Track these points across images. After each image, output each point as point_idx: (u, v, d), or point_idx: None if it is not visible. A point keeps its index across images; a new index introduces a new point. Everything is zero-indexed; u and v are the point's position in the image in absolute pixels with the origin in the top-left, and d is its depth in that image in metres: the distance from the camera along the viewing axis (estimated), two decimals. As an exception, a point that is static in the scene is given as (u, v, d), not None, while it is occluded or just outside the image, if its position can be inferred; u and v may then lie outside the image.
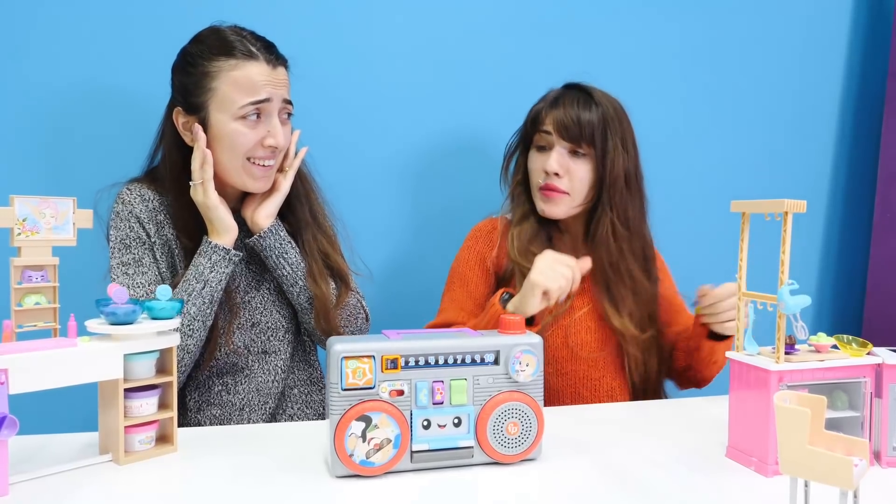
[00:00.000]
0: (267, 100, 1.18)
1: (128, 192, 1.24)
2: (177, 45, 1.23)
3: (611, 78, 1.44)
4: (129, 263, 1.21)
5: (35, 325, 0.88)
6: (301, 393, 1.35)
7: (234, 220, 1.23)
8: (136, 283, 1.20)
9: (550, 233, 1.42)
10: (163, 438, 0.97)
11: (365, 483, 0.84)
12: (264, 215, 1.25)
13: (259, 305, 1.29)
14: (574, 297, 1.34)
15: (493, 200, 1.49)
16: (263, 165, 1.22)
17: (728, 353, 0.94)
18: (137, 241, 1.22)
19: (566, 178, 1.34)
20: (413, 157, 1.69)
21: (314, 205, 1.34)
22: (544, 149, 1.36)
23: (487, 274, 1.40)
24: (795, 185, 1.95)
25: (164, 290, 0.95)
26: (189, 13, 1.49)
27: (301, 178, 1.32)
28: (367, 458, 0.85)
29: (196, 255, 1.20)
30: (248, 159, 1.21)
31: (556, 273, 1.17)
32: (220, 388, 1.28)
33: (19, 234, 0.86)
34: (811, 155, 1.97)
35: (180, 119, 1.21)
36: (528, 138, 1.41)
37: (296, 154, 1.28)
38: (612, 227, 1.34)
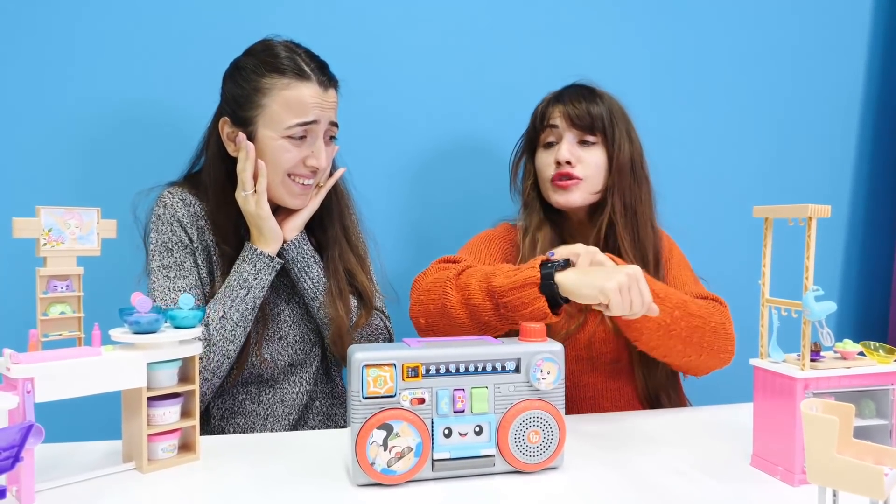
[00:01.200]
0: (315, 122, 1.19)
1: (169, 195, 1.25)
2: (205, 56, 1.25)
3: (630, 81, 1.44)
4: (171, 266, 1.21)
5: (60, 335, 0.88)
6: (322, 405, 1.35)
7: None
8: (177, 287, 1.20)
9: (565, 240, 1.40)
10: (185, 447, 0.97)
11: (386, 492, 0.84)
12: (290, 228, 1.25)
13: (288, 318, 1.30)
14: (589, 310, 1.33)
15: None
16: (303, 184, 1.23)
17: (752, 361, 0.93)
18: (179, 244, 1.22)
19: (579, 165, 1.33)
20: (437, 165, 1.69)
21: (346, 221, 1.34)
22: (552, 145, 1.36)
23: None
24: (816, 188, 1.93)
25: (186, 300, 0.96)
26: (218, 22, 1.51)
27: (337, 194, 1.33)
28: (389, 466, 0.85)
29: (240, 261, 1.21)
30: (289, 175, 1.21)
31: (629, 297, 1.00)
32: (244, 396, 1.28)
33: (45, 244, 0.87)
34: (832, 158, 1.95)
35: (226, 129, 1.22)
36: (534, 139, 1.41)
37: (331, 174, 1.29)
38: (616, 213, 1.34)
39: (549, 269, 1.04)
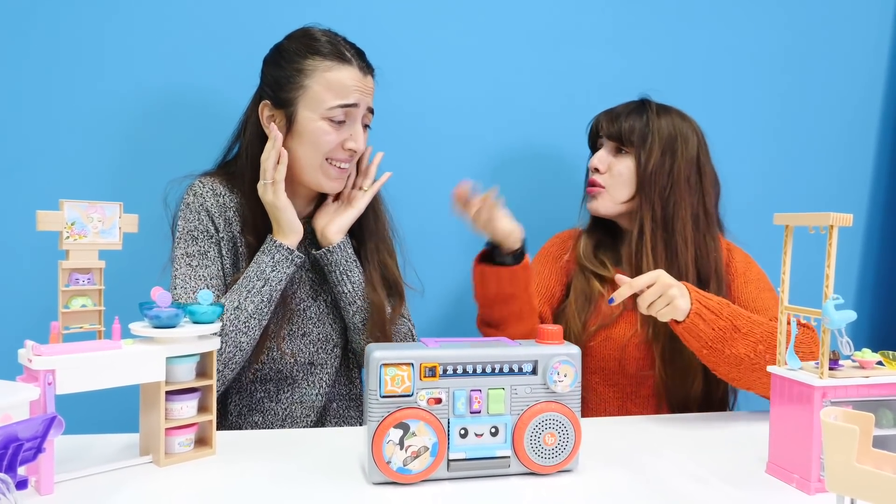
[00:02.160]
0: (355, 105, 1.21)
1: (200, 184, 1.25)
2: (236, 48, 1.25)
3: (644, 87, 1.44)
4: (194, 255, 1.21)
5: (81, 328, 0.89)
6: (339, 407, 1.35)
7: (304, 226, 1.25)
8: (199, 276, 1.20)
9: (617, 242, 1.46)
10: (201, 441, 0.98)
11: (401, 490, 0.85)
12: (336, 230, 1.26)
13: (313, 316, 1.29)
14: (624, 311, 1.37)
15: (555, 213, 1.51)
16: (340, 167, 1.24)
17: (770, 368, 0.93)
18: (205, 234, 1.22)
19: (606, 174, 1.40)
20: (474, 167, 1.69)
21: (380, 216, 1.35)
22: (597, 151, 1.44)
23: (560, 272, 1.47)
24: (831, 195, 1.92)
25: (205, 295, 0.96)
26: (249, 13, 1.52)
27: (371, 210, 1.33)
28: (405, 465, 0.85)
29: (259, 253, 1.20)
30: (327, 159, 1.22)
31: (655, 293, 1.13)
32: (262, 394, 1.27)
33: (68, 237, 0.87)
34: (847, 165, 1.94)
35: (266, 112, 1.22)
36: (593, 148, 1.48)
37: (376, 178, 1.31)
38: (645, 225, 1.36)
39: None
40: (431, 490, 0.85)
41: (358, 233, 1.32)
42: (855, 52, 1.91)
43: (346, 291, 1.26)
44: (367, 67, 1.24)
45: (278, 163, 1.19)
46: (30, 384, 0.80)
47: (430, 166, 1.66)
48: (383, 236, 1.34)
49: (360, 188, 1.30)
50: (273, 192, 1.19)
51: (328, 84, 1.19)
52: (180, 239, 1.22)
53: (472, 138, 1.69)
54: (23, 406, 0.76)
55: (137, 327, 0.92)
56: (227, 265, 1.24)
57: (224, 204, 1.25)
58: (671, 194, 1.36)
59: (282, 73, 1.21)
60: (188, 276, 1.20)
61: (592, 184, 1.42)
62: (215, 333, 0.97)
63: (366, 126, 1.27)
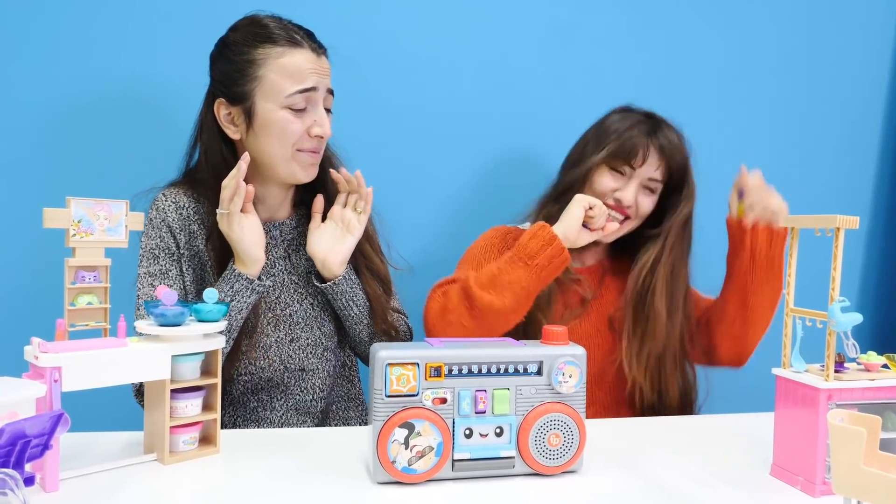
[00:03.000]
0: (314, 88, 1.16)
1: (163, 197, 1.21)
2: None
3: (644, 86, 1.44)
4: (156, 275, 1.18)
5: (87, 325, 0.89)
6: (339, 409, 1.33)
7: (287, 223, 1.26)
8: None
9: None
10: (205, 440, 0.98)
11: (406, 490, 0.85)
12: (340, 262, 1.22)
13: (300, 321, 1.26)
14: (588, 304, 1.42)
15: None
16: (311, 154, 1.20)
17: (775, 370, 0.93)
18: (166, 251, 1.19)
19: (631, 208, 1.38)
20: (470, 167, 1.70)
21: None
22: (621, 174, 1.37)
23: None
24: (836, 197, 1.92)
25: (210, 294, 0.96)
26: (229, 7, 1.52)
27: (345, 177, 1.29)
28: (410, 465, 0.85)
29: (219, 281, 1.16)
30: (298, 150, 1.19)
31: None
32: (255, 404, 1.25)
33: (74, 234, 0.88)
34: (851, 167, 1.94)
35: (222, 111, 1.18)
36: (606, 156, 1.37)
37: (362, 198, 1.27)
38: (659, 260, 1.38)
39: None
40: (436, 490, 0.85)
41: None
42: (858, 55, 1.91)
43: (352, 315, 1.24)
44: (319, 48, 1.19)
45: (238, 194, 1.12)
46: (36, 381, 0.80)
47: (431, 167, 1.66)
48: (366, 231, 1.29)
49: (355, 210, 1.25)
50: (228, 223, 1.13)
51: (283, 71, 1.14)
52: (142, 257, 1.19)
53: (467, 139, 1.69)
54: (29, 403, 0.76)
55: (143, 325, 0.92)
56: (189, 282, 1.20)
57: (187, 217, 1.21)
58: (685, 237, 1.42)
59: (232, 66, 1.16)
60: (150, 296, 1.16)
61: (618, 212, 1.38)
62: (220, 332, 0.97)
63: (328, 110, 1.22)
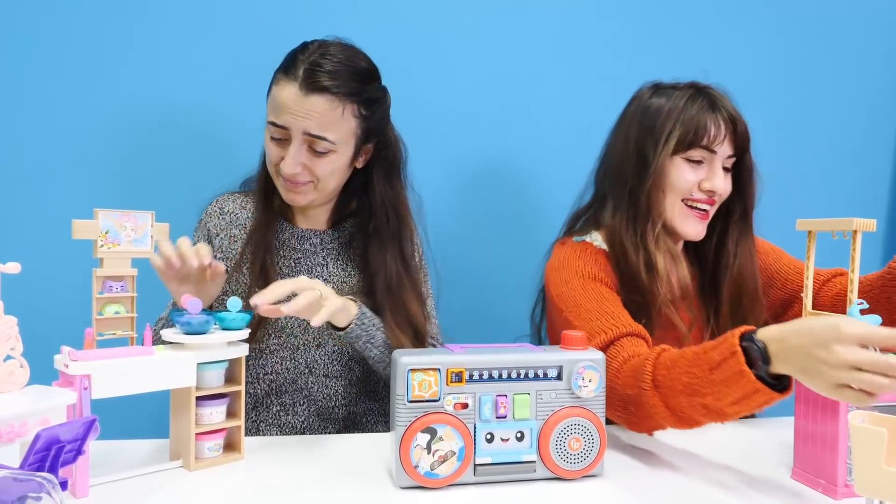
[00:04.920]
0: (284, 127, 1.14)
1: (214, 202, 1.30)
2: (256, 65, 1.26)
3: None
4: None
5: (114, 334, 0.91)
6: (361, 416, 1.31)
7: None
8: (181, 293, 1.15)
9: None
10: (229, 446, 0.99)
11: (429, 494, 0.86)
12: (324, 318, 1.01)
13: (329, 327, 1.22)
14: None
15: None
16: (290, 182, 1.18)
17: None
18: None
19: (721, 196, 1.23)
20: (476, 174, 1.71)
21: (405, 246, 1.26)
22: (699, 162, 1.20)
23: (613, 292, 1.18)
24: (850, 199, 1.91)
25: (234, 302, 0.98)
26: (282, 30, 1.54)
27: (398, 217, 1.25)
28: (432, 469, 0.86)
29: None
30: (276, 173, 1.20)
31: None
32: (278, 408, 1.26)
33: (102, 245, 0.89)
34: (865, 169, 1.93)
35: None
36: (672, 146, 1.19)
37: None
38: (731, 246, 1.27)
39: (755, 349, 0.83)
40: (458, 494, 0.86)
41: (375, 258, 1.24)
42: (872, 55, 1.90)
43: (373, 356, 1.19)
44: (311, 87, 1.11)
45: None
46: (66, 389, 0.82)
47: (442, 172, 1.67)
48: (407, 268, 1.25)
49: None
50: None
51: (272, 97, 1.17)
52: None
53: (474, 145, 1.70)
54: (61, 410, 0.77)
55: (169, 334, 0.94)
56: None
57: (229, 222, 1.28)
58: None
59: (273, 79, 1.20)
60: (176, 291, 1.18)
61: (708, 205, 1.22)
62: (244, 340, 0.98)
63: (322, 152, 1.16)
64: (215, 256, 1.24)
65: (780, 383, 0.83)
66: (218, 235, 1.27)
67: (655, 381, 0.93)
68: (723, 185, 1.21)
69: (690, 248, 1.32)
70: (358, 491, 0.87)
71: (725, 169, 1.23)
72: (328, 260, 1.29)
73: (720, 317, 1.26)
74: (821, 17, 1.87)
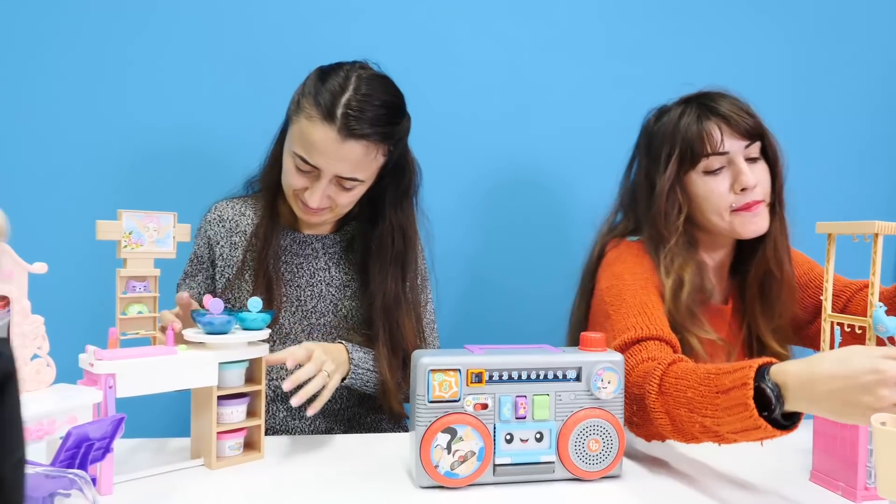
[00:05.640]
0: (315, 168, 1.13)
1: (212, 210, 1.30)
2: (261, 65, 1.26)
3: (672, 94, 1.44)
4: (187, 273, 1.28)
5: (137, 333, 0.92)
6: (372, 421, 1.32)
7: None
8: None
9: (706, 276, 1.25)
10: (249, 445, 1.00)
11: (449, 494, 0.86)
12: (318, 408, 1.04)
13: (333, 331, 1.26)
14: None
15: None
16: (306, 207, 1.18)
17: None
18: (199, 259, 1.28)
19: (758, 186, 1.19)
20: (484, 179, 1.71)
21: (408, 268, 1.26)
22: (718, 171, 1.18)
23: (658, 297, 1.16)
24: (863, 201, 1.90)
25: (254, 302, 0.99)
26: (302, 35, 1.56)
27: (405, 241, 1.25)
28: (452, 469, 0.87)
29: None
30: (294, 195, 1.19)
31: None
32: (285, 414, 1.26)
33: (125, 246, 0.90)
34: (879, 172, 1.93)
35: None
36: (683, 164, 1.19)
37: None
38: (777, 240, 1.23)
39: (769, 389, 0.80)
40: (478, 494, 0.86)
41: (375, 275, 1.23)
42: (890, 55, 1.89)
43: (369, 392, 1.22)
44: (352, 133, 1.10)
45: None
46: (91, 387, 0.83)
47: (452, 176, 1.67)
48: (405, 292, 1.24)
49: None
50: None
51: (300, 131, 1.12)
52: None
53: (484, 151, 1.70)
54: (87, 408, 0.78)
55: (191, 334, 0.95)
56: (220, 288, 1.25)
57: (230, 229, 1.27)
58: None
59: (295, 96, 1.18)
60: (177, 288, 1.26)
61: (753, 204, 1.17)
62: (264, 340, 0.99)
63: (348, 188, 1.17)
64: (216, 265, 1.27)
65: (789, 419, 0.82)
66: (219, 244, 1.27)
67: (662, 387, 0.92)
68: (753, 177, 1.17)
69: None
70: (378, 490, 0.87)
71: (752, 159, 1.20)
72: (330, 264, 1.28)
73: (752, 310, 1.25)
74: (829, 16, 1.86)
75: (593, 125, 1.70)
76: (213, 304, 0.95)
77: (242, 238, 1.26)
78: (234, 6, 1.55)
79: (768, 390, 0.80)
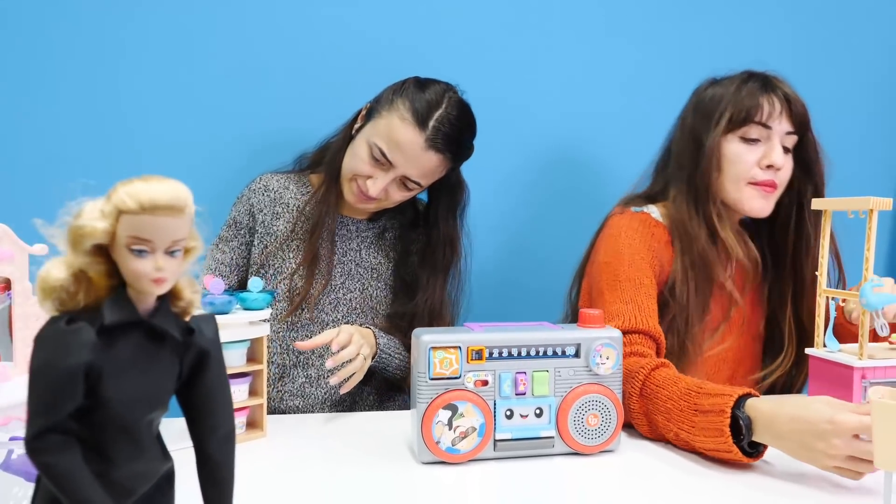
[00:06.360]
0: (391, 163, 1.22)
1: (258, 180, 1.35)
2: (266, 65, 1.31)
3: (671, 77, 1.44)
4: (221, 239, 1.32)
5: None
6: (375, 400, 1.35)
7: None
8: (213, 257, 1.31)
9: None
10: (251, 424, 1.01)
11: (450, 469, 0.87)
12: (352, 385, 1.12)
13: (357, 307, 1.32)
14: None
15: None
16: (360, 192, 1.26)
17: (808, 350, 0.94)
18: (237, 224, 1.32)
19: (781, 171, 1.21)
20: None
21: (452, 280, 1.37)
22: (755, 141, 1.19)
23: (653, 280, 1.19)
24: (858, 179, 1.92)
25: (255, 282, 0.99)
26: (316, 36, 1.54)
27: (451, 249, 1.35)
28: (453, 445, 0.88)
29: None
30: (353, 179, 1.26)
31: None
32: (303, 380, 1.29)
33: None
34: (874, 150, 1.94)
35: (363, 112, 1.29)
36: (728, 126, 1.20)
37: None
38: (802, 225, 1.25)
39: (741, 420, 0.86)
40: (479, 469, 0.88)
41: (421, 277, 1.33)
42: (885, 35, 1.90)
43: (389, 374, 1.28)
44: (436, 145, 1.21)
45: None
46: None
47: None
48: (444, 295, 1.34)
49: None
50: None
51: (389, 128, 1.21)
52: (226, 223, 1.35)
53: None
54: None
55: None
56: (256, 254, 1.31)
57: (273, 199, 1.32)
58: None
59: (387, 93, 1.26)
60: (209, 255, 1.30)
61: (771, 184, 1.19)
62: (265, 320, 1.00)
63: (408, 188, 1.27)
64: (257, 231, 1.32)
65: (755, 448, 0.88)
66: (262, 211, 1.32)
67: (644, 391, 0.98)
68: (782, 160, 1.19)
69: (765, 239, 1.32)
70: (380, 467, 0.89)
71: (786, 149, 1.21)
72: (361, 247, 1.35)
73: (803, 297, 1.25)
74: (832, 5, 1.86)
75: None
76: (214, 285, 0.95)
77: (285, 209, 1.32)
78: (235, 7, 1.53)
79: (741, 421, 0.87)
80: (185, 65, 1.51)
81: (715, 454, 0.89)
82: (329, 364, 1.07)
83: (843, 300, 0.98)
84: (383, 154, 1.21)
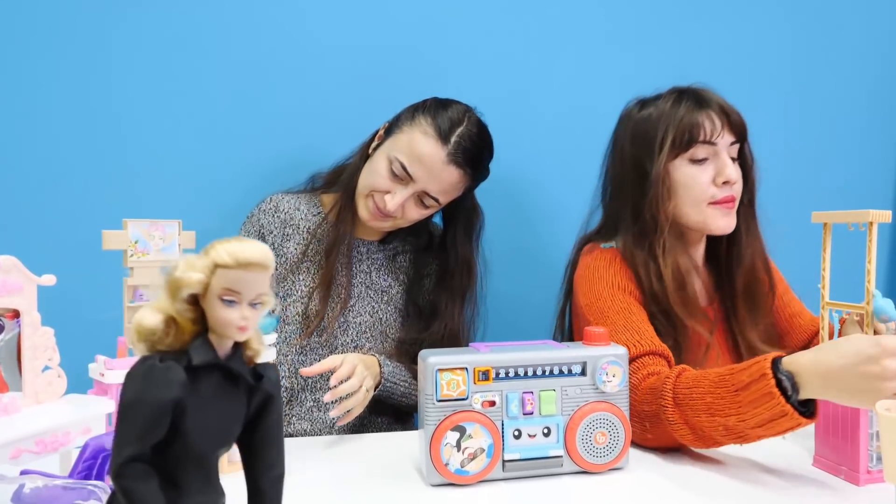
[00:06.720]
0: (411, 178, 1.23)
1: (268, 200, 1.36)
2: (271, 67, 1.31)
3: (670, 82, 1.44)
4: None
5: (145, 342, 0.92)
6: (384, 423, 1.35)
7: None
8: None
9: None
10: (259, 449, 1.01)
11: (460, 491, 0.87)
12: (353, 417, 1.13)
13: (367, 331, 1.32)
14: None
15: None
16: (376, 209, 1.27)
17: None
18: None
19: (736, 184, 1.21)
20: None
21: (467, 305, 1.38)
22: (703, 160, 1.18)
23: (639, 305, 1.17)
24: (856, 190, 1.92)
25: (261, 307, 0.99)
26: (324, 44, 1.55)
27: (468, 272, 1.36)
28: (462, 466, 0.88)
29: None
30: (369, 195, 1.27)
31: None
32: (311, 403, 1.29)
33: (132, 255, 0.91)
34: (872, 159, 1.95)
35: (381, 132, 1.32)
36: (678, 149, 1.18)
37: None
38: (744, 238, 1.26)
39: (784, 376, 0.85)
40: (488, 490, 0.88)
41: (438, 303, 1.34)
42: (879, 44, 1.91)
43: (395, 400, 1.26)
44: (456, 160, 1.23)
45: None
46: (102, 397, 0.84)
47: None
48: (460, 329, 1.35)
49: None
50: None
51: (410, 140, 1.23)
52: None
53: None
54: (100, 418, 0.79)
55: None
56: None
57: (283, 221, 1.33)
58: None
59: (407, 111, 1.28)
60: None
61: (731, 199, 1.19)
62: (271, 344, 1.00)
63: (426, 205, 1.28)
64: None
65: (807, 410, 0.86)
66: (271, 233, 1.33)
67: (676, 399, 0.95)
68: (736, 174, 1.19)
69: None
70: (390, 489, 0.89)
71: (732, 159, 1.21)
72: (372, 269, 1.36)
73: (737, 311, 1.26)
74: (827, 7, 1.88)
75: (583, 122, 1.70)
76: (220, 311, 0.95)
77: (295, 231, 1.33)
78: (236, 8, 1.54)
79: (784, 379, 0.84)
80: (197, 84, 1.53)
81: (770, 428, 0.86)
82: (327, 398, 1.06)
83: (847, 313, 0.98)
84: (404, 168, 1.23)
